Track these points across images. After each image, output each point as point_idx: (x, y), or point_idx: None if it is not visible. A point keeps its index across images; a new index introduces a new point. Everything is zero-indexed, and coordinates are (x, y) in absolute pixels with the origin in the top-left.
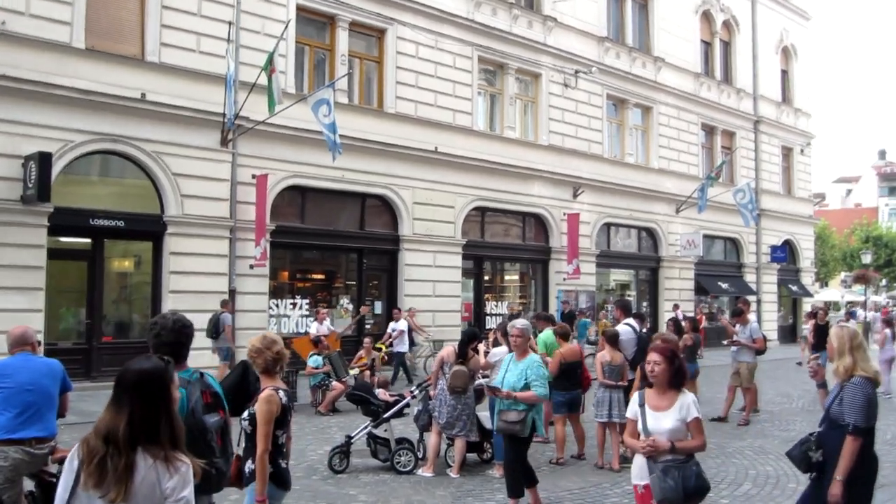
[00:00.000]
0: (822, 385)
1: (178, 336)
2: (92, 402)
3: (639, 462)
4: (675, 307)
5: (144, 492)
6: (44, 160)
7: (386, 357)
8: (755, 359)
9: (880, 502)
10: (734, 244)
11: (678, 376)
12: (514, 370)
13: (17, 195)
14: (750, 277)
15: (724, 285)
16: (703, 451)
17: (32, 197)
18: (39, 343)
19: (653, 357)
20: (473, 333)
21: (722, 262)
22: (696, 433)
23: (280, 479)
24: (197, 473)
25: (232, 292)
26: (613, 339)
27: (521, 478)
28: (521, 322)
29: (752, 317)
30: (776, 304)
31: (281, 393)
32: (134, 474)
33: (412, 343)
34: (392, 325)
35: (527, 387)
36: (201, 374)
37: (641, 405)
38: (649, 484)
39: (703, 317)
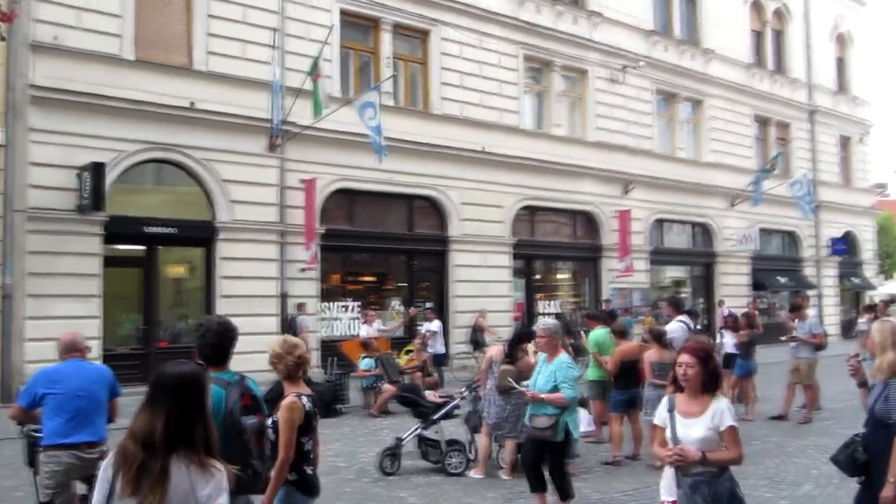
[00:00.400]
0: (863, 384)
1: (220, 338)
2: None
3: (668, 474)
4: (721, 303)
5: (178, 499)
6: (97, 170)
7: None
8: (815, 355)
9: None
10: (792, 238)
11: (712, 380)
12: (544, 372)
13: (73, 205)
14: (809, 271)
15: (783, 280)
16: (740, 465)
17: (87, 206)
18: (89, 349)
19: (684, 359)
20: (524, 333)
21: (779, 257)
22: (731, 444)
23: (307, 487)
24: (231, 480)
25: (283, 296)
26: (660, 337)
27: (568, 480)
28: (543, 323)
29: (810, 312)
30: (837, 299)
31: (304, 399)
32: (168, 480)
33: (482, 344)
34: (426, 325)
35: (556, 389)
36: (242, 377)
37: (670, 410)
38: (677, 501)
39: (756, 313)
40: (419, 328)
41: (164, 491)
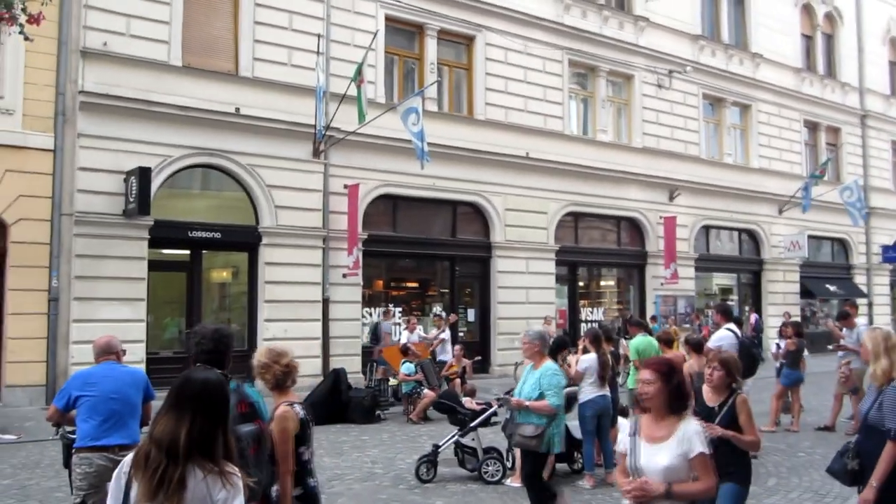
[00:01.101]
0: (855, 390)
1: (217, 344)
2: None
3: None
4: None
5: None
6: (144, 175)
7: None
8: (864, 364)
9: None
10: (842, 245)
11: (678, 398)
12: (530, 380)
13: (120, 209)
14: (860, 279)
15: (832, 288)
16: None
17: (134, 211)
18: (124, 352)
19: (644, 375)
20: (562, 341)
21: (829, 264)
22: (703, 473)
23: (311, 500)
24: (246, 489)
25: (325, 301)
26: (698, 347)
27: (541, 494)
28: (526, 331)
29: (860, 320)
30: (889, 307)
31: (297, 407)
32: (185, 488)
33: None
34: (433, 332)
35: (542, 397)
36: (239, 384)
37: (633, 434)
38: None
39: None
40: (461, 335)
41: (182, 499)
